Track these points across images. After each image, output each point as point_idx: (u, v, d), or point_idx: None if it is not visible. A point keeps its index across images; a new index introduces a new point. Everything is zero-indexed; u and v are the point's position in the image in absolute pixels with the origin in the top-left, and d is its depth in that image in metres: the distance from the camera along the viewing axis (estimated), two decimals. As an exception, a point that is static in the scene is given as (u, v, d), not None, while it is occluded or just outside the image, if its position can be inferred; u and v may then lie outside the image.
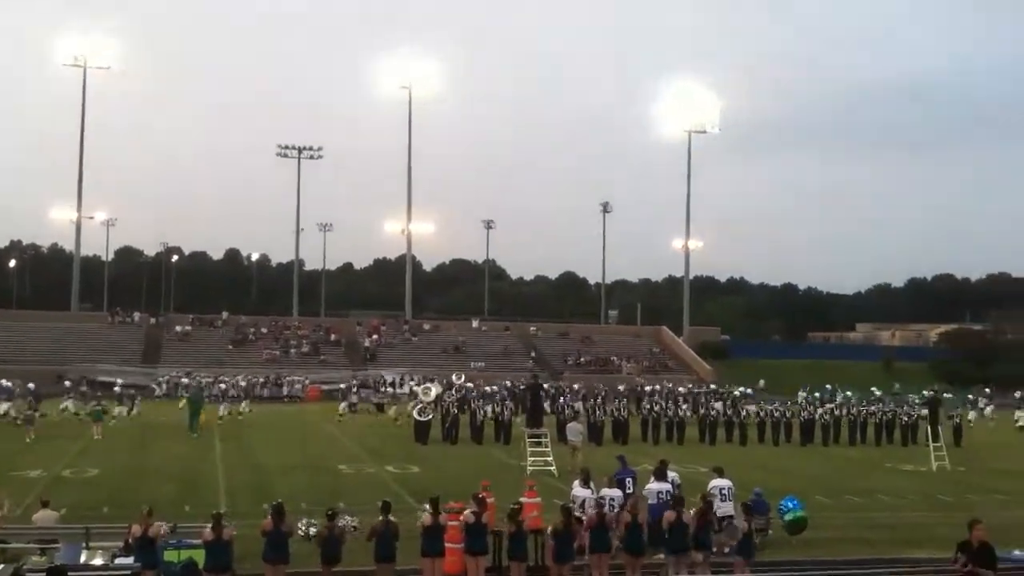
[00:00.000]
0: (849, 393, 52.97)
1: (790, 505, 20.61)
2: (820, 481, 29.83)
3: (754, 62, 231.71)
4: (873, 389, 55.41)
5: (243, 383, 61.34)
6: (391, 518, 15.49)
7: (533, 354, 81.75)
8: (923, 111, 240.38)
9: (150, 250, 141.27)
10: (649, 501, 18.33)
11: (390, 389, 60.43)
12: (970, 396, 60.40)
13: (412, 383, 59.56)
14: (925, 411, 40.27)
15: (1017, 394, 60.48)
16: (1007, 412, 56.95)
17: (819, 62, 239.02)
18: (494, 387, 53.30)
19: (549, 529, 16.47)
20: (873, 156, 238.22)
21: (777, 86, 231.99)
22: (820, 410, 44.44)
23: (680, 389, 54.93)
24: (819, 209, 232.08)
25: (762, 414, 43.46)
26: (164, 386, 59.45)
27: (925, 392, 50.09)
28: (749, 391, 55.24)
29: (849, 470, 33.55)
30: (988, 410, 58.81)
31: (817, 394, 52.39)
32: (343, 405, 49.33)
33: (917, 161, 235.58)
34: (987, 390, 61.46)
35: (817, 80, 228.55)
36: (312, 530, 15.20)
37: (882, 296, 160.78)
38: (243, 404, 50.78)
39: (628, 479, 20.20)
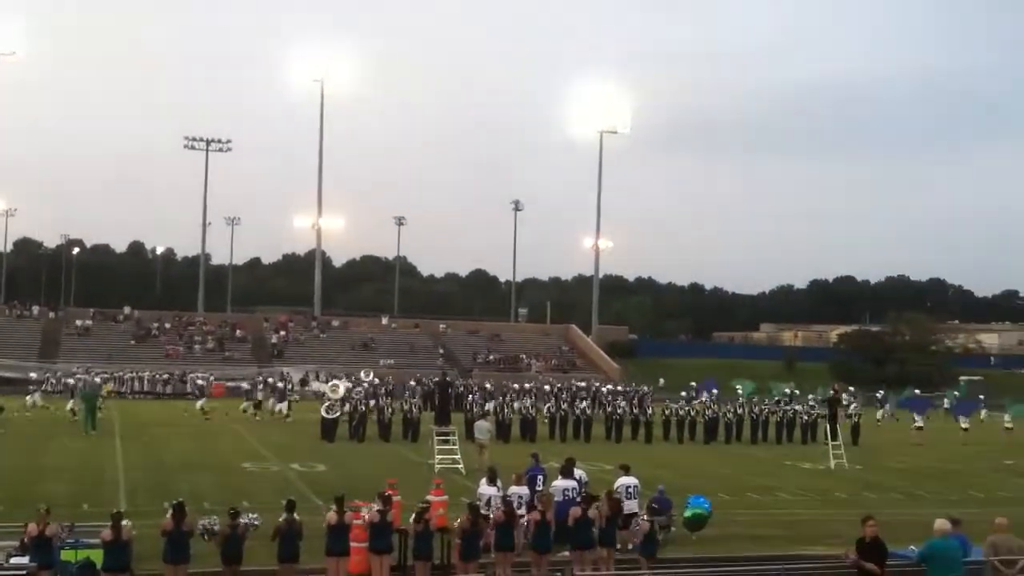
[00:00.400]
0: (746, 384, 54.13)
1: (699, 503, 20.95)
2: (722, 479, 30.37)
3: (665, 62, 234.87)
4: (785, 390, 56.54)
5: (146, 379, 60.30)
6: (295, 517, 15.37)
7: (442, 351, 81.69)
8: (830, 113, 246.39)
9: (50, 242, 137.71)
10: (555, 498, 18.49)
11: (278, 384, 59.51)
12: (879, 395, 61.95)
13: (317, 381, 59.16)
14: (824, 410, 41.26)
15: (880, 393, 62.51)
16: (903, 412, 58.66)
17: (729, 63, 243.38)
18: (410, 383, 52.97)
19: (456, 526, 16.50)
20: (780, 158, 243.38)
21: (687, 87, 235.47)
22: (724, 408, 45.23)
23: (607, 388, 55.36)
24: (726, 210, 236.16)
25: (667, 412, 44.08)
26: (53, 382, 57.81)
27: (813, 395, 51.27)
28: (646, 388, 55.87)
29: (750, 468, 34.22)
30: (887, 408, 60.58)
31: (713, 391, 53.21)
32: (246, 404, 48.17)
33: (822, 163, 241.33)
34: (880, 391, 63.19)
35: (727, 81, 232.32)
36: (215, 527, 14.97)
37: (785, 297, 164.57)
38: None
39: (539, 476, 20.36)
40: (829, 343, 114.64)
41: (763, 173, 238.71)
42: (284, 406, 47.37)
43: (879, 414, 56.06)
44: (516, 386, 50.66)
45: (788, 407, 46.50)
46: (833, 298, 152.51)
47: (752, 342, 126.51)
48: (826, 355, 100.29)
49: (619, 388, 57.22)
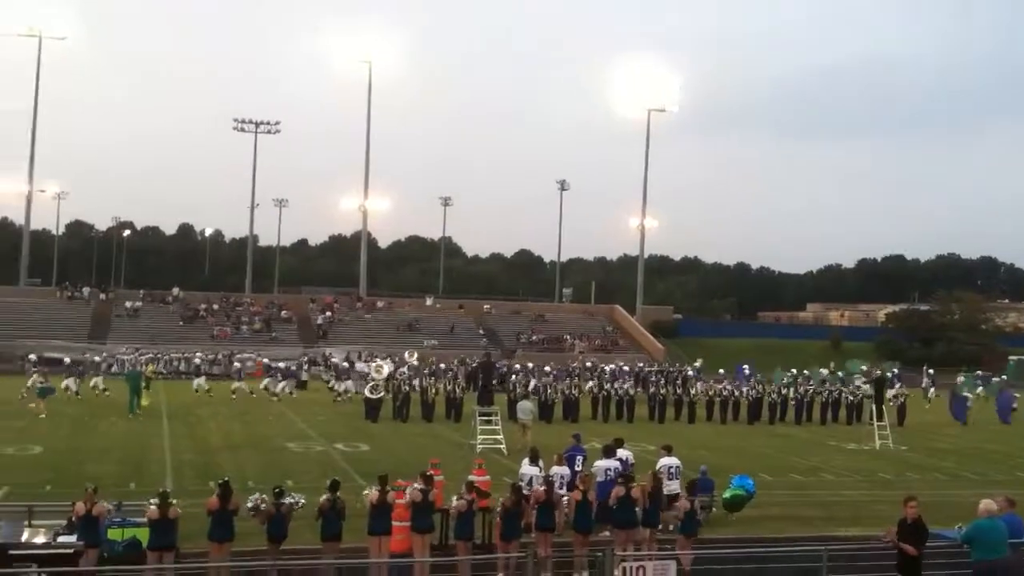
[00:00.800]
0: (792, 372, 53.56)
1: (742, 484, 20.90)
2: (765, 459, 30.27)
3: (714, 40, 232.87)
4: (823, 370, 56.15)
5: (197, 360, 60.98)
6: (338, 496, 15.52)
7: (482, 331, 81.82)
8: (878, 93, 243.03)
9: (101, 224, 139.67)
10: (597, 478, 18.53)
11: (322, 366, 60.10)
12: (925, 377, 61.10)
13: (362, 362, 59.46)
14: (871, 390, 40.89)
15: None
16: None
17: (777, 41, 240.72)
18: (442, 365, 53.30)
19: (498, 507, 16.59)
20: (828, 137, 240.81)
21: (735, 65, 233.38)
22: (768, 388, 45.00)
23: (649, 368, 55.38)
24: (773, 189, 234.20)
25: (711, 393, 43.88)
26: (104, 364, 58.63)
27: (861, 371, 50.74)
28: (689, 369, 55.75)
29: (794, 449, 34.03)
30: (932, 389, 59.81)
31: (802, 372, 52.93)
32: (282, 384, 48.21)
33: (871, 143, 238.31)
34: (930, 371, 62.35)
35: (775, 59, 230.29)
36: (263, 506, 15.16)
37: (832, 276, 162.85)
38: (198, 381, 49.65)
39: (579, 457, 20.41)
40: (877, 323, 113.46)
41: (811, 151, 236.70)
42: (349, 384, 47.56)
43: (930, 393, 55.27)
44: (553, 367, 50.69)
45: (835, 387, 46.10)
46: (881, 277, 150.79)
47: (798, 322, 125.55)
48: (873, 335, 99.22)
49: (662, 368, 57.09)
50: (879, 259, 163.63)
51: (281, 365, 56.38)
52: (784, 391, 44.80)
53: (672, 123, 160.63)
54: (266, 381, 48.35)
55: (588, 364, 53.85)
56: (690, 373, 55.06)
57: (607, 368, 55.12)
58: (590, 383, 44.72)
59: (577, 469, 19.60)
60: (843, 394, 45.15)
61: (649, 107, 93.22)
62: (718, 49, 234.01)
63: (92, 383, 44.80)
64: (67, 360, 57.56)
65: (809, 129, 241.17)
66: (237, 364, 60.06)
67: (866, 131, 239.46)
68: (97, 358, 58.82)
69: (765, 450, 33.11)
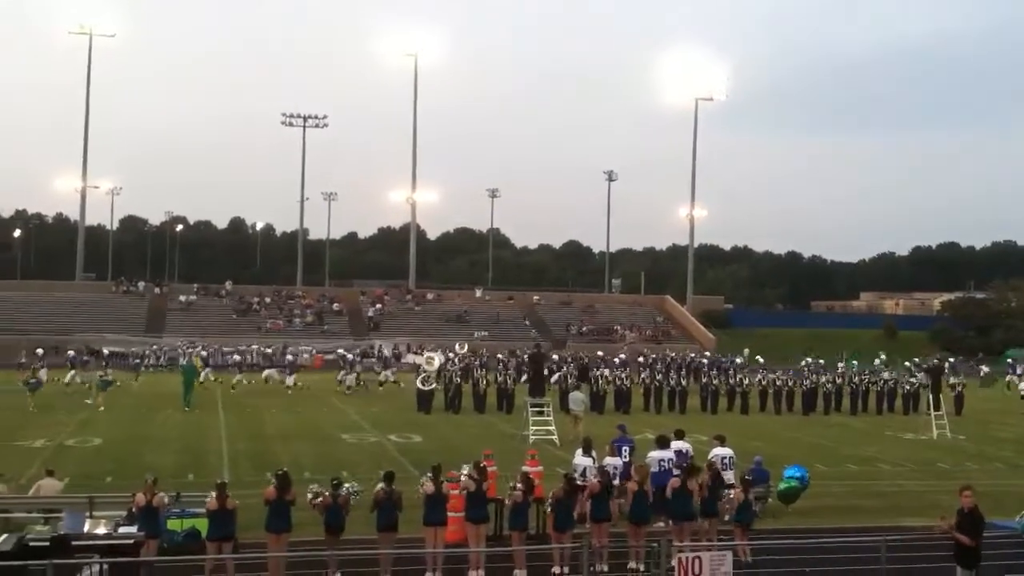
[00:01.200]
0: (855, 362, 52.86)
1: (796, 474, 20.72)
2: (820, 449, 29.99)
3: (763, 27, 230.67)
4: (881, 357, 55.41)
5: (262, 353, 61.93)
6: (393, 487, 15.58)
7: (526, 322, 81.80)
8: (933, 79, 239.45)
9: (155, 219, 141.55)
10: (652, 469, 18.46)
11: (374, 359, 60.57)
12: (983, 369, 60.04)
13: (412, 353, 59.83)
14: (927, 379, 40.32)
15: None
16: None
17: (827, 27, 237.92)
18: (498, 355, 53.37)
19: (550, 497, 16.57)
20: (881, 124, 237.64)
21: (785, 51, 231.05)
22: (823, 378, 44.54)
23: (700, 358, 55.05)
24: (825, 176, 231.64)
25: (764, 383, 43.51)
26: (163, 357, 59.42)
27: (914, 361, 50.02)
28: (738, 360, 55.24)
29: (850, 439, 33.65)
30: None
31: (818, 360, 52.31)
32: (342, 374, 48.71)
33: (925, 129, 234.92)
34: (983, 365, 61.44)
35: (825, 45, 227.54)
36: (319, 499, 15.25)
37: (886, 265, 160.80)
38: (280, 374, 49.93)
39: (625, 447, 20.33)
40: (932, 311, 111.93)
41: (863, 138, 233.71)
42: (389, 373, 48.34)
43: (1008, 379, 54.46)
44: (608, 358, 50.51)
45: (891, 376, 45.54)
46: (936, 265, 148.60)
47: (851, 311, 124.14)
48: (928, 323, 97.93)
49: (714, 358, 56.72)
50: (933, 246, 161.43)
51: (350, 356, 56.81)
52: (839, 380, 44.28)
53: (721, 110, 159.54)
54: (341, 374, 48.85)
55: (643, 355, 53.47)
56: (738, 361, 54.68)
57: (667, 356, 54.87)
58: (643, 374, 44.47)
59: (625, 459, 19.56)
60: (899, 383, 44.59)
61: (697, 96, 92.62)
62: (769, 33, 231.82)
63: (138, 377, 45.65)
64: (106, 352, 58.60)
65: (861, 115, 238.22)
66: (290, 356, 60.56)
67: (920, 117, 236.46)
68: (147, 351, 59.69)
69: (820, 440, 32.79)
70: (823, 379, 44.71)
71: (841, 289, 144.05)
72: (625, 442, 20.70)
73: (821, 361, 53.29)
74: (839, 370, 48.71)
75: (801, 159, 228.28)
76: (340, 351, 60.40)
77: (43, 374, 42.09)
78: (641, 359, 53.64)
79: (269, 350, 63.41)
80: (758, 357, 56.21)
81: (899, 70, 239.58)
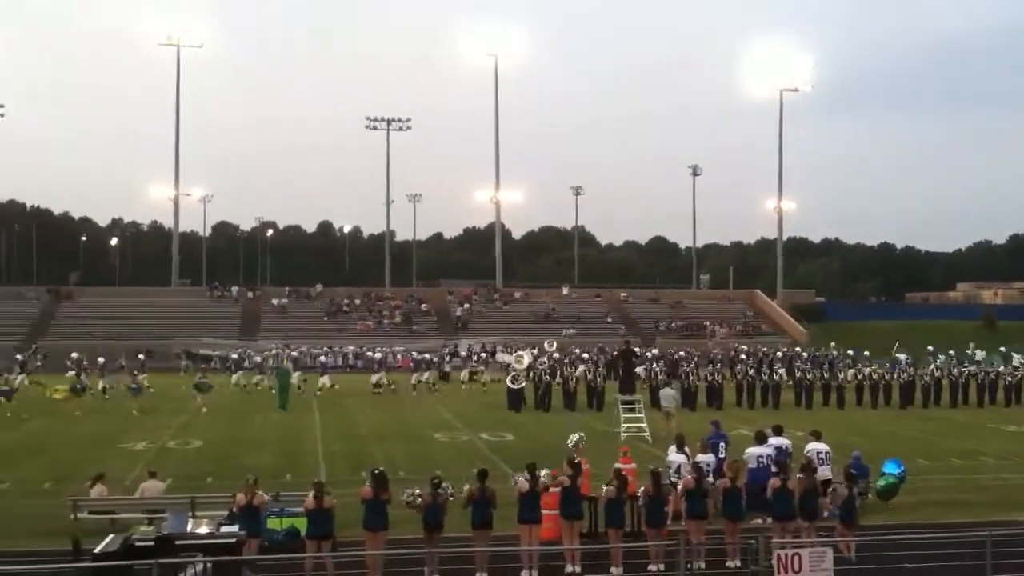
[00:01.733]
0: (951, 353, 51.36)
1: (894, 470, 20.30)
2: (920, 444, 29.33)
3: (850, 14, 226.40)
4: (978, 352, 53.93)
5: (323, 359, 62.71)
6: (487, 485, 15.63)
7: (609, 320, 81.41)
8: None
9: (246, 224, 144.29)
10: (749, 465, 18.24)
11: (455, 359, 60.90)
12: None
13: (500, 351, 60.00)
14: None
15: None
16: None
17: (918, 13, 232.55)
18: (584, 354, 53.33)
19: (639, 494, 16.47)
20: (974, 110, 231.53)
21: (874, 39, 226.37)
22: (920, 371, 43.52)
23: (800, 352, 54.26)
24: (917, 165, 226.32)
25: (860, 376, 42.64)
26: (259, 358, 60.36)
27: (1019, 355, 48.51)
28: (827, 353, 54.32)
29: (950, 432, 32.87)
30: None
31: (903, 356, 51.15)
32: (415, 376, 48.78)
33: (1017, 113, 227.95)
34: None
35: (916, 32, 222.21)
36: (418, 500, 15.34)
37: (983, 254, 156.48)
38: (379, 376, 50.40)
39: (720, 443, 20.12)
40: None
41: (955, 124, 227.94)
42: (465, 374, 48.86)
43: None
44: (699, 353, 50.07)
45: (991, 368, 44.30)
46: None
47: (948, 302, 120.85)
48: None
49: (808, 352, 55.86)
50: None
51: (425, 356, 57.28)
52: (938, 373, 43.21)
53: (807, 100, 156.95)
54: (415, 376, 49.03)
55: (733, 353, 52.93)
56: (835, 355, 53.78)
57: (761, 351, 54.21)
58: (736, 369, 43.95)
59: (721, 456, 19.35)
60: (1001, 375, 43.36)
61: (781, 87, 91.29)
62: (854, 20, 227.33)
63: (234, 379, 46.55)
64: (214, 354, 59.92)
65: (951, 101, 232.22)
66: (378, 355, 61.16)
67: (1012, 101, 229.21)
68: (234, 355, 60.80)
69: (920, 434, 32.05)
70: (921, 371, 43.66)
71: (936, 280, 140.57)
72: (720, 438, 20.50)
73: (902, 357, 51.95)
74: (936, 362, 47.42)
75: (890, 148, 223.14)
76: (415, 352, 60.94)
77: (142, 378, 43.05)
78: (733, 353, 52.99)
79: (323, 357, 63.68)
80: (850, 351, 55.23)
81: (996, 51, 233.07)
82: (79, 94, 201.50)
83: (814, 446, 19.22)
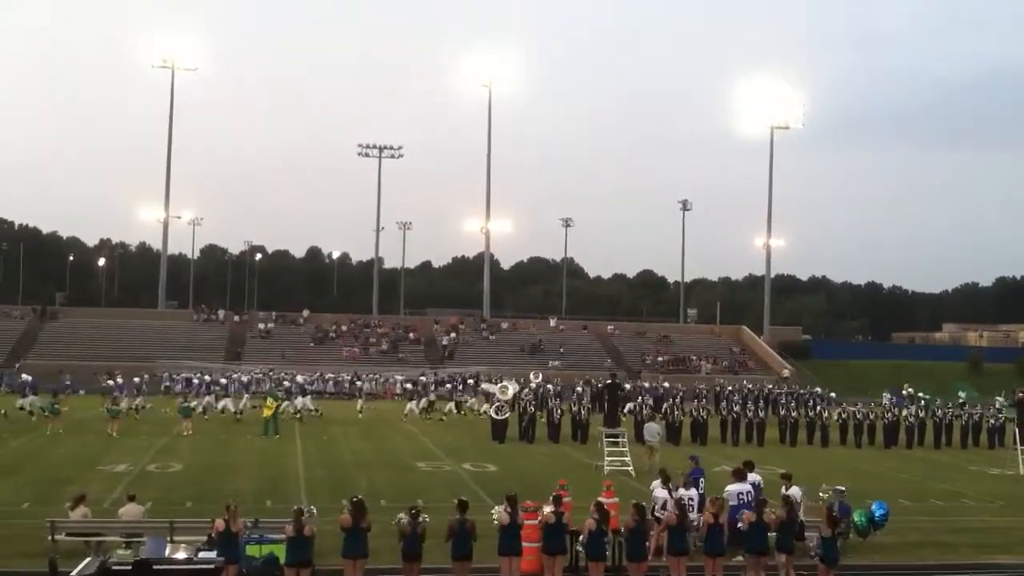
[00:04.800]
0: (926, 397, 51.37)
1: (879, 512, 20.24)
2: (904, 484, 29.30)
3: (843, 53, 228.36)
4: (961, 394, 54.10)
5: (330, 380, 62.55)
6: (467, 516, 15.54)
7: (605, 351, 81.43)
8: (1011, 101, 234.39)
9: (234, 248, 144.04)
10: (730, 502, 18.19)
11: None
12: None
13: (483, 381, 59.78)
14: (1015, 412, 39.18)
15: None
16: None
17: (909, 53, 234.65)
18: (577, 387, 53.25)
19: (622, 528, 16.41)
20: (962, 150, 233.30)
21: (867, 79, 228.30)
22: (905, 412, 43.57)
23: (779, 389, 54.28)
24: (905, 206, 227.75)
25: (844, 416, 42.65)
26: (234, 386, 60.08)
27: (1000, 398, 48.64)
28: (819, 391, 54.41)
29: (934, 473, 32.87)
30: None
31: (889, 396, 51.21)
32: (410, 404, 48.79)
33: (1007, 156, 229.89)
34: None
35: (903, 71, 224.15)
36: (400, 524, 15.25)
37: (969, 296, 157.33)
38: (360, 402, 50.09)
39: (700, 479, 20.10)
40: (1018, 343, 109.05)
41: (943, 165, 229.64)
42: (452, 406, 48.61)
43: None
44: (684, 388, 50.04)
45: (974, 411, 44.35)
46: (1022, 296, 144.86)
47: (934, 343, 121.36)
48: (1015, 355, 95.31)
49: (792, 390, 55.87)
50: (1019, 276, 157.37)
51: (409, 385, 57.09)
52: (922, 413, 43.27)
53: (797, 137, 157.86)
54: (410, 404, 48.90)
55: (718, 388, 52.94)
56: (819, 393, 53.85)
57: (734, 388, 54.13)
58: (722, 403, 43.93)
59: (700, 491, 19.33)
60: (984, 417, 43.44)
61: (772, 124, 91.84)
62: (847, 59, 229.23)
63: (221, 405, 46.03)
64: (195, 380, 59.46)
65: (941, 141, 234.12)
66: (359, 383, 61.01)
67: (1003, 142, 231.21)
68: (223, 379, 60.34)
69: (903, 475, 32.04)
70: (904, 412, 43.69)
71: (923, 320, 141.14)
72: (698, 473, 20.48)
73: (908, 392, 51.96)
74: (921, 403, 47.46)
75: (879, 187, 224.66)
76: (408, 384, 60.87)
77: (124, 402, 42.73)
78: (718, 389, 52.92)
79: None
80: (831, 393, 55.36)
81: (982, 94, 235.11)
82: (71, 114, 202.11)
83: (794, 490, 19.13)
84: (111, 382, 51.53)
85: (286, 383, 58.67)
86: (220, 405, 46.03)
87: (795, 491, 19.14)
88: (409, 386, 57.84)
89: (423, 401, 49.23)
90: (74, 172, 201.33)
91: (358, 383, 61.64)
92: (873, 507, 20.32)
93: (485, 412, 46.08)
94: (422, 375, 65.81)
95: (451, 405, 50.12)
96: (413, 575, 14.97)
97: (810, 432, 41.24)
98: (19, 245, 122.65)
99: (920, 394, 51.76)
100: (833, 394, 56.14)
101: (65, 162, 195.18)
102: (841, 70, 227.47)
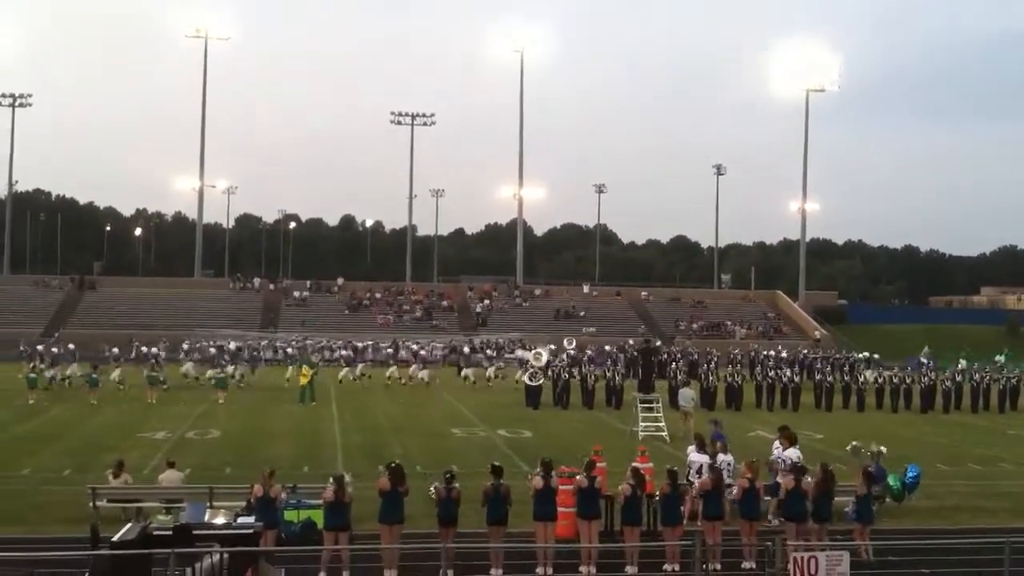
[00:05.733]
0: (964, 363, 51.00)
1: (910, 473, 20.18)
2: (941, 449, 29.15)
3: (878, 15, 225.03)
4: (999, 357, 53.63)
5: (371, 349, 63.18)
6: (502, 481, 15.62)
7: (638, 317, 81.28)
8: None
9: (268, 217, 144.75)
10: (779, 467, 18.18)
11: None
12: None
13: (522, 349, 59.95)
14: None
15: None
16: None
17: (944, 15, 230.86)
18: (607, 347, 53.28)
19: (657, 493, 16.44)
20: (1002, 113, 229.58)
21: (903, 41, 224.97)
22: (942, 375, 43.26)
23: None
24: (943, 168, 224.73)
25: (880, 380, 42.38)
26: (279, 352, 60.72)
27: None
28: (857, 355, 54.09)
29: (971, 437, 32.65)
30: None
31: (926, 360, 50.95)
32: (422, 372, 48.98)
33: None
34: None
35: (943, 33, 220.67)
36: (432, 494, 15.38)
37: (1008, 258, 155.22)
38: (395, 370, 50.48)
39: (719, 443, 20.15)
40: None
41: (980, 128, 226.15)
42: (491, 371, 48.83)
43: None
44: (719, 354, 49.91)
45: (1013, 374, 43.95)
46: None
47: (972, 306, 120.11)
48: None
49: (827, 355, 55.53)
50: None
51: (423, 352, 57.57)
52: (959, 377, 42.94)
53: (834, 101, 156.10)
54: (413, 368, 49.28)
55: (752, 353, 52.74)
56: (856, 357, 53.52)
57: (770, 354, 53.88)
58: (755, 370, 43.79)
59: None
60: (1021, 381, 43.03)
61: (807, 87, 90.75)
62: (884, 20, 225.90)
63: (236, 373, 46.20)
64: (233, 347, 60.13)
65: (979, 103, 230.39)
66: (389, 350, 61.66)
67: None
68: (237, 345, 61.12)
69: (940, 439, 31.85)
70: (942, 376, 43.37)
71: (961, 284, 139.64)
72: (719, 437, 20.49)
73: (927, 361, 51.59)
74: (959, 367, 47.13)
75: (917, 150, 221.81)
76: (413, 347, 61.49)
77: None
78: (752, 354, 52.76)
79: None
80: (864, 353, 55.05)
81: (1016, 58, 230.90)
82: (106, 85, 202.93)
83: (789, 452, 19.01)
84: (153, 350, 52.56)
85: (342, 351, 59.69)
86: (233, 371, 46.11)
87: (792, 453, 18.92)
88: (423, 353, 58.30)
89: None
90: (110, 143, 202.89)
91: (403, 351, 62.10)
92: (907, 470, 20.26)
93: (520, 379, 46.40)
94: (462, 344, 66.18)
95: (490, 371, 50.19)
96: (448, 539, 15.05)
97: (846, 397, 41.05)
98: (57, 216, 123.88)
99: (962, 357, 51.40)
100: (877, 356, 55.75)
101: (101, 133, 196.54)
102: (878, 31, 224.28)
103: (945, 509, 20.22)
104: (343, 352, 61.36)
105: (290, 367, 48.99)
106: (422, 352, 61.61)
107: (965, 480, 23.99)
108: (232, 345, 62.30)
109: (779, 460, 18.53)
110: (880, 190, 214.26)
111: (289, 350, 60.03)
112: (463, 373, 49.29)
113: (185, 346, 61.13)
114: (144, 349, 58.30)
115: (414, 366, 50.17)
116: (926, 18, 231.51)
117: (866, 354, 56.27)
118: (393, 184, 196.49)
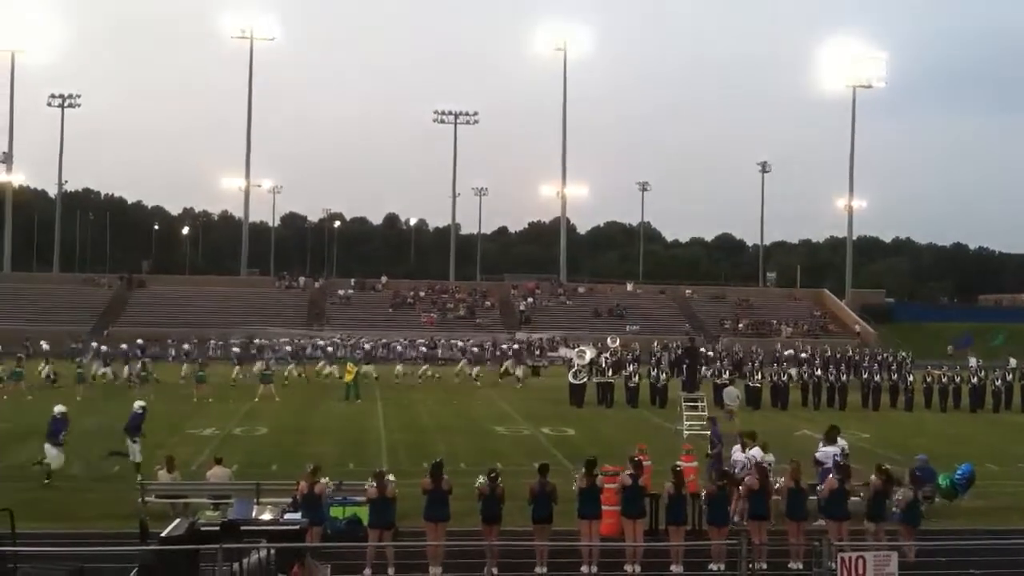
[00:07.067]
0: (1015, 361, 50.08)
1: (959, 471, 19.95)
2: (991, 448, 28.73)
3: (929, 9, 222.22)
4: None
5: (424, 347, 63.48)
6: (548, 479, 15.63)
7: (683, 315, 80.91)
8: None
9: (313, 216, 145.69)
10: (824, 465, 18.07)
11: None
12: None
13: (566, 347, 59.89)
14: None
15: None
16: None
17: (999, 8, 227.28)
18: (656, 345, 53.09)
19: (703, 493, 16.37)
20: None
21: (952, 35, 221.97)
22: (993, 375, 42.60)
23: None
24: (992, 165, 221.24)
25: (929, 379, 41.86)
26: (323, 351, 60.97)
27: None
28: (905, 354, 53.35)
29: (1021, 438, 32.13)
30: None
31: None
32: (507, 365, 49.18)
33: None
34: None
35: (993, 28, 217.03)
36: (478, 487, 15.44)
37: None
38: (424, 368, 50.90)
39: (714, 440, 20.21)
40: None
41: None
42: (522, 370, 49.02)
43: None
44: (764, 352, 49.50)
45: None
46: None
47: (1021, 305, 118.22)
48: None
49: (875, 353, 54.89)
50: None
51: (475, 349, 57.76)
52: (1009, 376, 42.30)
53: (880, 97, 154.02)
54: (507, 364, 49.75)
55: (800, 353, 52.27)
56: (904, 356, 52.84)
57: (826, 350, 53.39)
58: (801, 369, 43.37)
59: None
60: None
61: (854, 83, 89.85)
62: (932, 15, 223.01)
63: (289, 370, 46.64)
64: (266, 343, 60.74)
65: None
66: (423, 348, 61.88)
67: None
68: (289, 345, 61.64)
69: (990, 439, 31.41)
70: (992, 375, 42.72)
71: (1011, 282, 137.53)
72: (716, 436, 20.57)
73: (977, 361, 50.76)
74: (1010, 365, 46.32)
75: (965, 145, 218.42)
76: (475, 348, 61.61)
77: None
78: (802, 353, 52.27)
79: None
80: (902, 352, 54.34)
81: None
82: (154, 85, 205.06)
83: (828, 449, 18.91)
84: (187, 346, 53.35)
85: (398, 347, 60.41)
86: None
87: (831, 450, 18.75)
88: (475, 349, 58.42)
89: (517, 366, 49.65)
90: (158, 143, 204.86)
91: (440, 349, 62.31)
92: (957, 469, 20.03)
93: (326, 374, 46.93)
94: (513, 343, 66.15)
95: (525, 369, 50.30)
96: (493, 537, 15.09)
97: (893, 396, 40.59)
98: (106, 215, 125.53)
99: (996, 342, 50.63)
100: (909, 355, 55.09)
101: (149, 133, 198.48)
102: (927, 28, 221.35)
103: (997, 510, 19.96)
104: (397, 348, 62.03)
105: (331, 365, 49.28)
106: (475, 349, 61.59)
107: (1017, 480, 23.66)
108: (281, 343, 62.90)
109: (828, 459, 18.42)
110: (928, 187, 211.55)
111: (330, 348, 60.38)
112: (511, 371, 49.16)
113: (257, 341, 62.21)
114: (212, 342, 59.68)
115: (463, 362, 50.47)
116: (979, 11, 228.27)
117: (903, 353, 55.59)
118: (436, 183, 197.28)
